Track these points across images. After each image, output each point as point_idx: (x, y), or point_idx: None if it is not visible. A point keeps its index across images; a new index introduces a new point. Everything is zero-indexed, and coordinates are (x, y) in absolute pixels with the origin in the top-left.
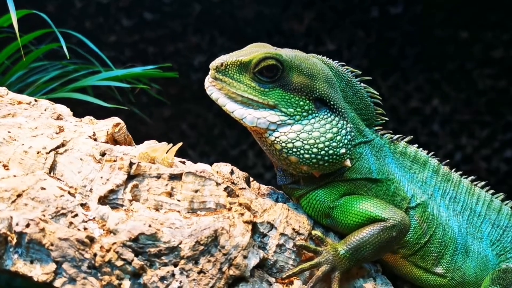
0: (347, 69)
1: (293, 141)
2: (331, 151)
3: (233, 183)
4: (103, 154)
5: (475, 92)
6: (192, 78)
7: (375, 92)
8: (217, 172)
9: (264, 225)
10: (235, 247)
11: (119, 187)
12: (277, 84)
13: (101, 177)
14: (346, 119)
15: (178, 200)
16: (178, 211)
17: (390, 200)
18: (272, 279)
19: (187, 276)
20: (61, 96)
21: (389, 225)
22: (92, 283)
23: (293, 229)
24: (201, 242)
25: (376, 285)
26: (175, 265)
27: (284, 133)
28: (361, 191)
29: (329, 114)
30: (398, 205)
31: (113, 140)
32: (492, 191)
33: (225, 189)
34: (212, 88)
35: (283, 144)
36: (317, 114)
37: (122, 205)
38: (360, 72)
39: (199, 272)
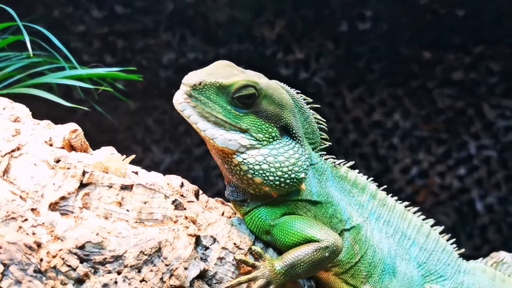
0: (300, 96)
1: (260, 164)
2: (293, 175)
3: (182, 195)
4: (57, 161)
5: (435, 110)
6: (160, 75)
7: (322, 118)
8: (168, 184)
9: (207, 239)
10: (177, 258)
11: (70, 195)
12: (251, 110)
13: (54, 184)
14: (303, 146)
15: (127, 210)
16: (127, 221)
17: (327, 222)
18: None
19: (129, 284)
20: (20, 92)
21: (323, 246)
22: (37, 286)
23: (234, 243)
24: (145, 252)
25: None
26: (119, 273)
27: (252, 155)
28: (301, 212)
29: (290, 141)
30: (334, 227)
31: (70, 146)
32: (423, 216)
33: (173, 202)
34: (185, 104)
35: (250, 166)
36: (280, 141)
37: (72, 212)
38: (312, 100)
39: (141, 281)
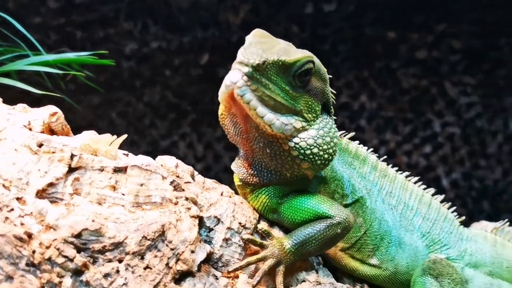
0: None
1: (311, 148)
2: (332, 152)
3: (178, 176)
4: (40, 145)
5: (400, 90)
6: (123, 66)
7: (334, 92)
8: (162, 165)
9: (211, 220)
10: (182, 242)
11: (59, 180)
12: (305, 88)
13: (39, 170)
14: (333, 120)
15: (123, 194)
16: (123, 205)
17: (331, 196)
18: (218, 273)
19: (133, 272)
20: None
21: (335, 222)
22: (30, 281)
23: (240, 223)
24: (148, 237)
25: (319, 277)
26: (120, 261)
27: (304, 139)
28: (308, 188)
29: (327, 117)
30: (338, 201)
31: (50, 130)
32: (424, 186)
33: (171, 183)
34: (246, 88)
35: (301, 151)
36: (322, 118)
37: (62, 199)
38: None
39: (145, 268)
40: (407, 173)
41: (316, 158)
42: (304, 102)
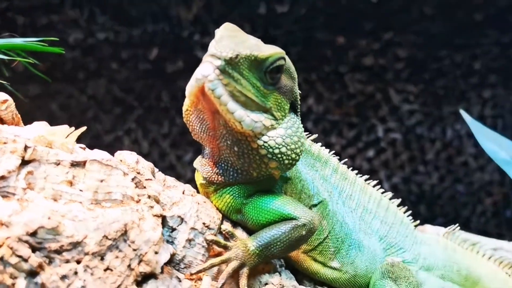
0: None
1: (279, 147)
2: (299, 152)
3: (138, 173)
4: None
5: (346, 94)
6: (66, 56)
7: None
8: (121, 160)
9: (174, 219)
10: (146, 242)
11: (11, 173)
12: (276, 86)
13: None
14: (299, 119)
15: (80, 190)
16: (80, 202)
17: (297, 197)
18: (181, 275)
19: (92, 274)
20: None
21: (300, 223)
22: None
23: (203, 223)
24: (109, 237)
25: (282, 280)
26: (78, 262)
27: (272, 137)
28: (273, 189)
29: (294, 116)
30: (303, 203)
31: None
32: (382, 190)
33: (132, 179)
34: (218, 82)
35: (270, 150)
36: (290, 117)
37: (14, 194)
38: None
39: (105, 269)
40: (366, 176)
41: (284, 157)
42: (274, 99)
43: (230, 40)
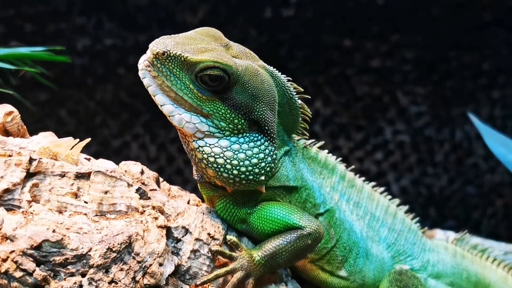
0: (291, 84)
1: (215, 156)
2: (251, 177)
3: (143, 183)
4: None
5: (353, 97)
6: (75, 62)
7: (309, 110)
8: (126, 171)
9: (178, 230)
10: (150, 254)
11: (16, 186)
12: (218, 95)
13: None
14: (274, 144)
15: (85, 202)
16: (85, 214)
17: (302, 207)
18: (186, 286)
19: (97, 287)
20: None
21: (305, 233)
22: None
23: (208, 233)
24: (114, 249)
25: None
26: (83, 275)
27: (209, 145)
28: (278, 198)
29: (259, 138)
30: (308, 211)
31: (4, 131)
32: (389, 196)
33: (137, 190)
34: (145, 72)
35: (205, 156)
36: (248, 135)
37: (20, 207)
38: (302, 90)
39: (110, 282)
40: (373, 183)
41: (222, 170)
42: (214, 108)
43: (177, 40)
